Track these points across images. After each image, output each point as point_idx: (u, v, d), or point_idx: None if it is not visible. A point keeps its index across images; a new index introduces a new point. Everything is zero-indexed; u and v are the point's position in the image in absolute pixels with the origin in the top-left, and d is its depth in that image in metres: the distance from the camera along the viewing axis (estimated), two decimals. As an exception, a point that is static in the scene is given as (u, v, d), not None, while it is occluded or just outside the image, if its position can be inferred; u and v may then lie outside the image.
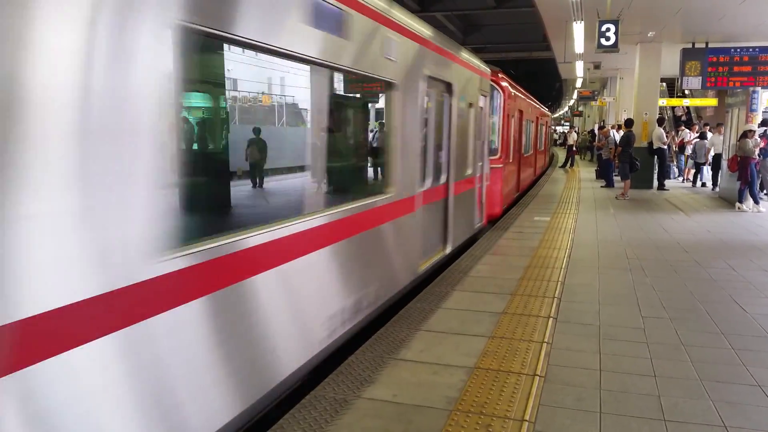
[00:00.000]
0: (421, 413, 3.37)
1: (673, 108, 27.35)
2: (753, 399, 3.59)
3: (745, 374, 3.97)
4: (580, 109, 42.70)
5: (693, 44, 15.30)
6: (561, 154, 33.13)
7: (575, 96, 36.56)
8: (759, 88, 14.19)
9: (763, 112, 18.49)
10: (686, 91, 23.00)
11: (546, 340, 4.52)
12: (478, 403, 3.47)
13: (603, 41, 11.31)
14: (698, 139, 17.78)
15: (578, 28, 13.42)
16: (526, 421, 3.25)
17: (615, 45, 11.29)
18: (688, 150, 18.90)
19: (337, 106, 4.86)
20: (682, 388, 3.73)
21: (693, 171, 18.36)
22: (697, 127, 19.99)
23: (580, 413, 3.38)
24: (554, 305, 5.42)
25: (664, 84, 25.07)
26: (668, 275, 6.73)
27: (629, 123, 15.34)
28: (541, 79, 41.27)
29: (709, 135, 17.26)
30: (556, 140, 48.48)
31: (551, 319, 5.00)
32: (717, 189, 15.69)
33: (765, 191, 13.83)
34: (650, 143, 16.27)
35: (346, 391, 3.66)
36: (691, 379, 3.87)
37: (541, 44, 21.31)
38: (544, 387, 3.72)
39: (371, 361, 4.13)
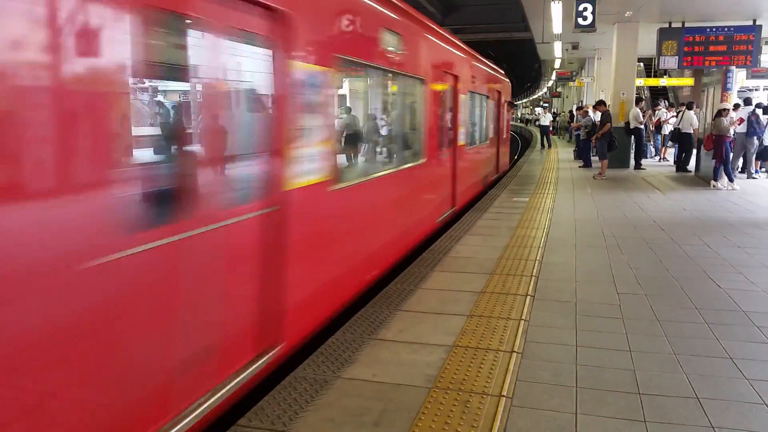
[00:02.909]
0: (401, 391, 3.40)
1: (651, 96, 27.44)
2: (725, 371, 3.67)
3: (718, 347, 4.05)
4: (559, 90, 42.86)
5: (670, 24, 15.40)
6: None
7: (554, 77, 36.66)
8: (734, 67, 14.35)
9: (738, 91, 18.72)
10: (666, 72, 23.15)
11: (524, 317, 4.56)
12: (457, 380, 3.50)
13: (580, 21, 11.35)
14: (675, 119, 17.96)
15: (556, 8, 13.42)
16: (504, 396, 3.29)
17: (592, 25, 11.34)
18: (665, 129, 19.08)
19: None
20: (656, 363, 3.80)
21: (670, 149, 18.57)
22: (674, 108, 20.18)
23: (557, 388, 3.42)
24: (532, 283, 5.47)
25: (642, 64, 25.21)
26: (644, 253, 6.82)
27: (601, 103, 15.46)
28: (521, 60, 41.32)
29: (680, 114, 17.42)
30: (534, 121, 48.70)
31: (529, 297, 5.05)
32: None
33: (748, 167, 14.05)
34: (627, 123, 16.40)
35: (326, 372, 3.67)
36: (666, 354, 3.94)
37: (520, 25, 21.30)
38: (522, 363, 3.76)
39: (351, 342, 4.15)
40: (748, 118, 13.40)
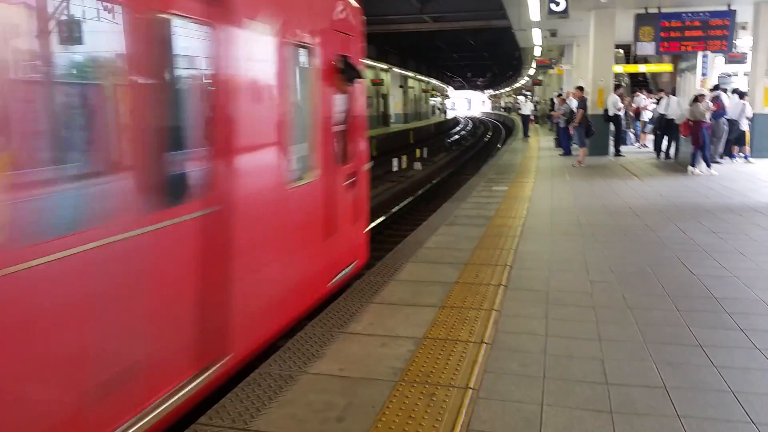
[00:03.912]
0: (367, 385, 3.34)
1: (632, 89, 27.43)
2: (694, 359, 3.65)
3: (688, 335, 4.03)
4: (540, 78, 42.93)
5: (646, 9, 15.40)
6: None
7: (534, 65, 36.68)
8: (709, 53, 14.42)
9: (719, 77, 18.84)
10: (646, 58, 23.18)
11: (495, 307, 4.52)
12: (424, 373, 3.45)
13: (553, 6, 11.30)
14: (655, 105, 18.03)
15: (532, -5, 13.38)
16: (470, 388, 3.25)
17: (565, 11, 11.28)
18: (644, 116, 19.14)
19: None
20: (625, 351, 3.77)
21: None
22: (653, 94, 20.27)
23: (524, 379, 3.39)
24: (506, 273, 5.43)
25: (622, 50, 25.26)
26: (619, 240, 6.81)
27: (578, 90, 15.52)
28: (501, 49, 41.28)
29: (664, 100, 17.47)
30: (516, 110, 48.82)
31: (502, 287, 5.01)
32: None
33: (717, 151, 14.12)
34: (606, 110, 16.43)
35: (292, 367, 3.60)
36: (635, 342, 3.92)
37: (498, 12, 21.20)
38: (491, 354, 3.72)
39: (320, 336, 4.08)
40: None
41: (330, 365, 3.62)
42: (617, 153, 16.55)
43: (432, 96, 64.48)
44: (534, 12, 15.39)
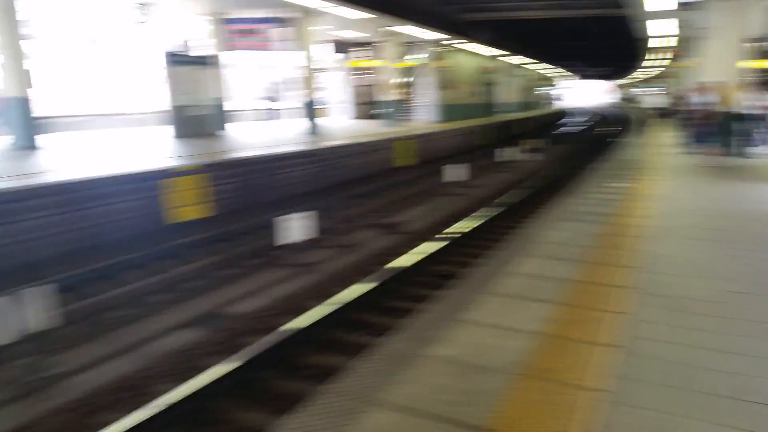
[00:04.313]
0: (483, 374, 3.30)
1: None
2: None
3: (841, 357, 3.62)
4: (664, 70, 40.59)
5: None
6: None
7: (656, 56, 34.71)
8: None
9: None
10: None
11: (620, 310, 4.28)
12: (545, 369, 3.33)
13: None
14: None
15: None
16: (598, 390, 3.09)
17: (692, 2, 10.44)
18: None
19: None
20: (768, 368, 3.44)
21: None
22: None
23: (655, 387, 3.18)
24: (631, 275, 5.13)
25: (757, 44, 23.24)
26: (758, 248, 6.24)
27: (708, 86, 14.46)
28: (620, 38, 39.32)
29: None
30: (636, 101, 46.51)
31: (626, 289, 4.74)
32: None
33: None
34: (735, 108, 15.21)
35: (407, 348, 3.61)
36: (780, 359, 3.57)
37: (620, 1, 20.09)
38: (616, 358, 3.52)
39: (432, 321, 4.06)
40: None
41: (444, 350, 3.58)
42: (749, 154, 15.31)
43: (544, 86, 62.66)
44: (658, 2, 14.48)
